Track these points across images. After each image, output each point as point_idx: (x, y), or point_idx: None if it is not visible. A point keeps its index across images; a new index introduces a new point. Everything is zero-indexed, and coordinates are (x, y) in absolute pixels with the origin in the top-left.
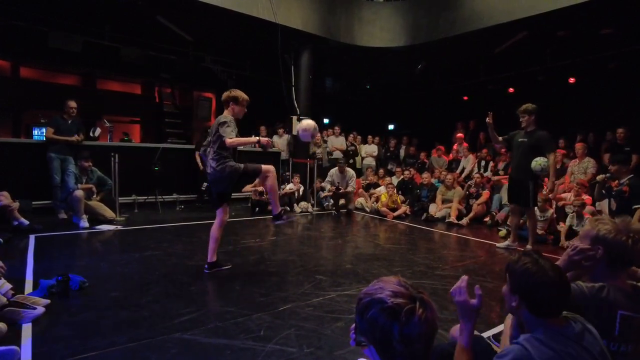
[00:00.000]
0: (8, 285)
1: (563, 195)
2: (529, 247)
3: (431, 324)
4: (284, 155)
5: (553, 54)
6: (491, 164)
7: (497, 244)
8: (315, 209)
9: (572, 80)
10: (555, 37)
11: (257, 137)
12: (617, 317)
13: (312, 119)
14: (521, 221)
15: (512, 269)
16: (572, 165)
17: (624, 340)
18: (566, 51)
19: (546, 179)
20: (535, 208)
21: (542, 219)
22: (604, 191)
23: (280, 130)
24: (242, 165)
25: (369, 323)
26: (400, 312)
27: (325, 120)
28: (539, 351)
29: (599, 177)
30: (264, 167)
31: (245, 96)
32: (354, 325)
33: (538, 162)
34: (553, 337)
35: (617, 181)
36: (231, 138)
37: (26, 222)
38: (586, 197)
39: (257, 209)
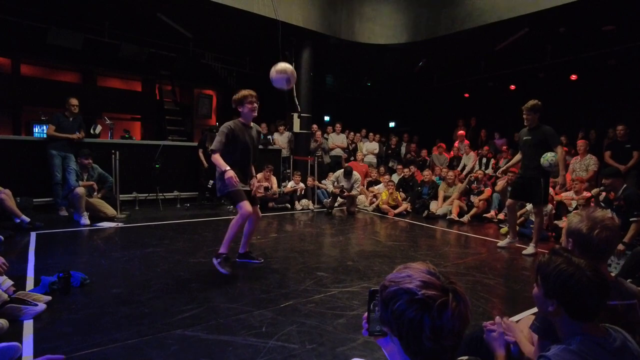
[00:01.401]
0: (9, 282)
1: (563, 194)
2: (532, 245)
3: (464, 319)
4: (285, 153)
5: (554, 50)
6: (492, 161)
7: (499, 243)
8: (316, 206)
9: (573, 77)
10: (557, 34)
11: (228, 169)
12: None
13: (313, 116)
14: (522, 218)
15: (545, 272)
16: (573, 163)
17: None
18: (567, 48)
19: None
20: None
21: None
22: (602, 204)
23: (281, 128)
24: (234, 187)
25: (395, 315)
26: (432, 305)
27: (326, 118)
28: None
29: (594, 191)
30: (246, 206)
31: (244, 92)
32: (366, 314)
33: (546, 158)
34: (592, 349)
35: (613, 194)
36: (214, 152)
37: (27, 219)
38: (587, 194)
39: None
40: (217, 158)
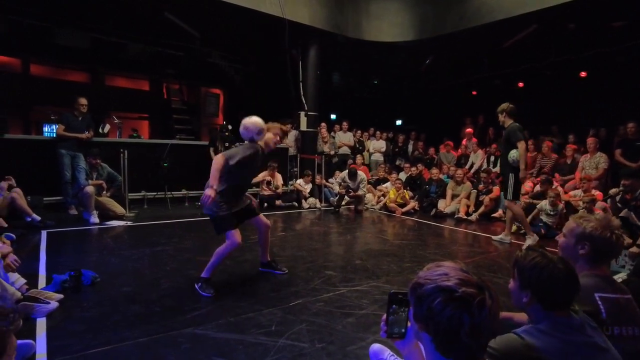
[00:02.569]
0: (22, 280)
1: (572, 192)
2: (528, 237)
3: (496, 316)
4: (292, 151)
5: (563, 47)
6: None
7: (493, 237)
8: (323, 204)
9: (583, 74)
10: (566, 31)
11: (213, 188)
12: (596, 300)
13: (320, 114)
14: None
15: (520, 265)
16: (583, 161)
17: (617, 322)
18: (577, 45)
19: (558, 176)
20: (546, 202)
21: (552, 213)
22: (619, 204)
23: (288, 126)
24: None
25: (433, 313)
26: (472, 302)
27: (333, 116)
28: (541, 340)
29: (612, 191)
30: (235, 236)
31: (275, 124)
32: (384, 316)
33: (510, 155)
34: (557, 327)
35: (630, 194)
36: (222, 157)
37: (38, 218)
38: (597, 193)
39: (265, 204)
40: (217, 167)
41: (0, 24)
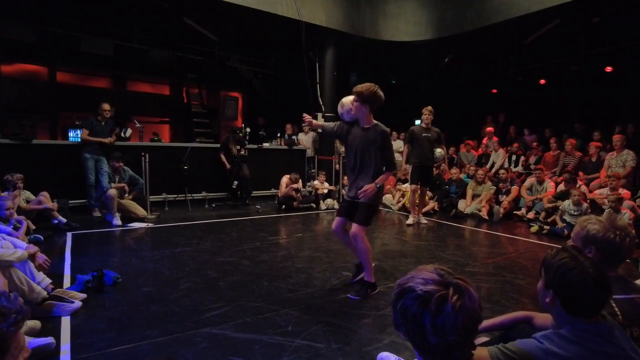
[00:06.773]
0: (48, 280)
1: (597, 191)
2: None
3: (469, 313)
4: (310, 153)
5: (587, 42)
6: (522, 158)
7: (407, 221)
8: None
9: (608, 69)
10: (590, 25)
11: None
12: (610, 303)
13: (337, 115)
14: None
15: (548, 263)
16: (609, 159)
17: (636, 323)
18: (601, 39)
19: (582, 174)
20: (568, 202)
21: (576, 213)
22: None
23: (306, 128)
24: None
25: (401, 315)
26: (430, 299)
27: None
28: (562, 348)
29: None
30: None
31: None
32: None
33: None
34: (579, 334)
35: None
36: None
37: (64, 220)
38: (624, 192)
39: (283, 206)
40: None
41: (30, 34)
